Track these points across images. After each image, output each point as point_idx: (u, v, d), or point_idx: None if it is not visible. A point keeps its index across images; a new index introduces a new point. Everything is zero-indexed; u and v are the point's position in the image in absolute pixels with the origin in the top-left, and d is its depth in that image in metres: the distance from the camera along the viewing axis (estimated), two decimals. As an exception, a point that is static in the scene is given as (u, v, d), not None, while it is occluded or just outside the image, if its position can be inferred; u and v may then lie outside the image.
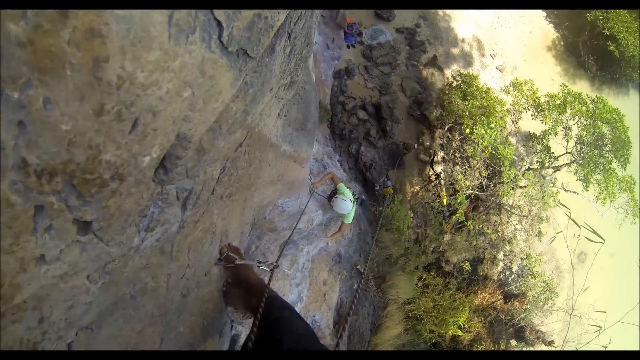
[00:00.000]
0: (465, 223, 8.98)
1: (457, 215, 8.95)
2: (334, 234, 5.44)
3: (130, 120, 0.86)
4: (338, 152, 9.91)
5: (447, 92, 9.85)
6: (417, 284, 8.14)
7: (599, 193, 8.91)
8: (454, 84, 10.03)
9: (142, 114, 0.88)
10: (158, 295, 1.64)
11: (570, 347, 7.41)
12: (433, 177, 10.42)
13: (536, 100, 9.46)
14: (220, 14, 0.98)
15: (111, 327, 1.36)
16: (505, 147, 8.52)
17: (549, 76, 12.97)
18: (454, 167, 9.85)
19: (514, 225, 10.08)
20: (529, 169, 9.77)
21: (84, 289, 1.09)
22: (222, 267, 2.46)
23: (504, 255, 10.47)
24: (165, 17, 0.80)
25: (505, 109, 9.47)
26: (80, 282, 1.06)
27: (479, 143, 8.41)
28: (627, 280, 11.30)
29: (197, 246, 1.96)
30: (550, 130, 9.21)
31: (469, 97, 9.13)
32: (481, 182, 9.31)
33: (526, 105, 9.67)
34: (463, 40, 12.32)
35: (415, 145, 10.48)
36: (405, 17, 11.82)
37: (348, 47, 10.76)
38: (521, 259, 10.12)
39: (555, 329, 10.14)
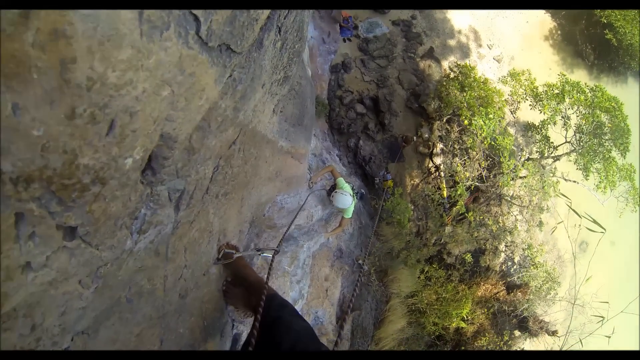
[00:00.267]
0: (466, 215, 8.97)
1: (457, 207, 8.94)
2: (335, 229, 5.44)
3: (106, 122, 0.84)
4: (337, 146, 9.90)
5: (444, 83, 9.83)
6: (419, 277, 8.15)
7: (599, 182, 8.89)
8: (452, 75, 10.00)
9: (118, 115, 0.86)
10: (155, 298, 1.63)
11: (574, 336, 7.40)
12: (432, 169, 10.41)
13: (534, 90, 9.45)
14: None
15: (108, 331, 1.35)
16: (504, 138, 8.50)
17: (546, 65, 12.92)
18: (453, 158, 9.84)
19: (515, 216, 10.07)
20: (528, 159, 9.75)
21: (77, 294, 1.08)
22: (221, 266, 2.45)
23: (506, 246, 10.47)
24: (135, 14, 0.78)
25: (503, 99, 9.45)
26: (72, 288, 1.05)
27: (478, 134, 8.39)
28: (629, 269, 11.31)
29: (194, 246, 1.95)
30: (549, 120, 9.18)
31: (466, 88, 9.11)
32: (481, 173, 9.29)
33: (524, 95, 9.66)
34: (459, 31, 12.27)
35: (414, 137, 10.46)
36: (401, 9, 11.75)
37: (344, 40, 10.73)
38: (523, 249, 10.13)
39: (558, 318, 10.15)
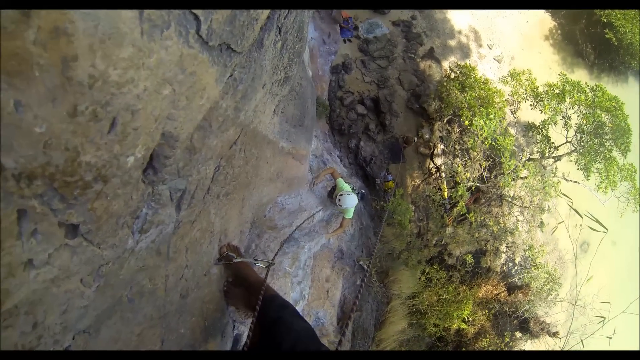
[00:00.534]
0: (467, 215, 8.96)
1: (458, 207, 8.93)
2: (335, 230, 5.43)
3: (108, 120, 0.85)
4: (337, 147, 9.90)
5: (445, 84, 9.82)
6: (420, 278, 8.14)
7: (600, 182, 8.86)
8: (452, 75, 9.99)
9: (119, 113, 0.87)
10: (156, 298, 1.63)
11: (575, 337, 7.39)
12: (433, 170, 10.40)
13: (535, 89, 9.43)
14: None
15: (110, 331, 1.35)
16: (505, 138, 8.49)
17: (546, 65, 12.91)
18: (454, 159, 9.82)
19: (516, 217, 10.05)
20: (529, 159, 9.74)
21: (78, 292, 1.08)
22: (222, 266, 2.45)
23: (507, 246, 10.45)
24: (135, 13, 0.78)
25: (503, 99, 9.44)
26: (74, 286, 1.05)
27: (479, 134, 8.38)
28: (630, 269, 11.29)
29: (195, 246, 1.95)
30: (549, 120, 9.17)
31: (467, 89, 9.10)
32: (482, 174, 9.28)
33: (525, 95, 9.64)
34: (460, 32, 12.26)
35: (415, 138, 10.46)
36: (401, 10, 11.76)
37: (344, 41, 10.73)
38: (524, 250, 10.11)
39: (559, 319, 10.12)
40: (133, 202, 1.13)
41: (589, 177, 9.01)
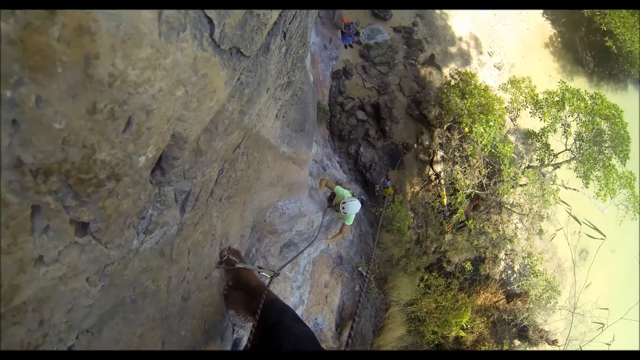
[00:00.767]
0: (466, 222, 8.96)
1: (457, 214, 8.93)
2: (335, 236, 5.43)
3: (124, 118, 0.86)
4: (337, 153, 9.91)
5: (445, 90, 9.86)
6: (418, 285, 8.12)
7: (599, 189, 8.88)
8: (452, 82, 10.03)
9: (135, 112, 0.88)
10: (159, 299, 1.64)
11: (574, 345, 7.37)
12: (433, 177, 10.41)
13: (534, 97, 9.47)
14: (210, 10, 0.98)
15: (112, 331, 1.36)
16: (504, 145, 8.51)
17: (546, 73, 12.97)
18: (453, 166, 9.85)
19: (515, 224, 10.06)
20: (528, 166, 9.75)
21: (84, 291, 1.09)
22: (223, 270, 2.46)
23: (506, 254, 10.43)
24: (154, 14, 0.80)
25: (503, 106, 9.47)
26: (80, 285, 1.06)
27: (478, 141, 8.40)
28: (629, 276, 11.27)
29: (197, 249, 1.96)
30: (549, 128, 9.19)
31: (467, 96, 9.13)
32: (481, 181, 9.29)
33: (524, 103, 9.67)
34: (460, 39, 12.33)
35: (415, 145, 10.47)
36: (402, 16, 11.83)
37: (345, 47, 10.77)
38: (523, 257, 10.10)
39: (558, 327, 10.09)
40: (141, 202, 1.15)
41: (588, 185, 9.03)
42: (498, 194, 9.14)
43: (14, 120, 0.66)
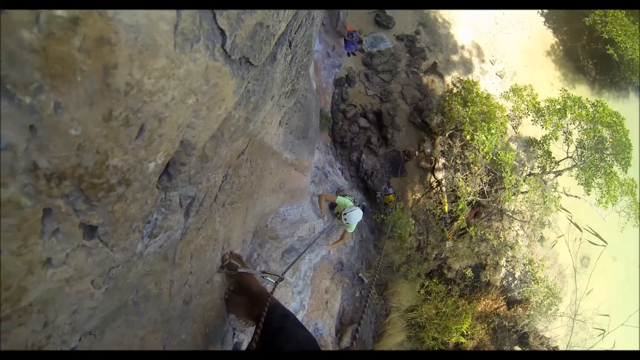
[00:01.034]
0: (467, 229, 8.96)
1: (458, 221, 8.93)
2: (336, 242, 5.44)
3: (137, 126, 0.88)
4: (339, 160, 9.93)
5: (447, 98, 9.88)
6: (419, 291, 8.10)
7: (601, 197, 8.89)
8: (454, 90, 10.06)
9: (148, 120, 0.90)
10: (161, 302, 1.65)
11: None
12: (434, 184, 10.42)
13: (536, 105, 9.49)
14: (223, 22, 1.00)
15: (114, 333, 1.37)
16: (506, 153, 8.53)
17: (548, 81, 13.00)
18: (455, 173, 9.86)
19: (516, 231, 10.05)
20: (530, 174, 9.76)
21: (89, 293, 1.10)
22: (224, 274, 2.46)
23: (506, 261, 10.42)
24: (171, 26, 0.83)
25: (505, 114, 9.49)
26: (85, 287, 1.07)
27: (480, 149, 8.42)
28: (630, 283, 11.24)
29: (200, 253, 1.97)
30: (550, 135, 9.21)
31: (469, 104, 9.16)
32: (482, 188, 9.30)
33: (526, 111, 9.69)
34: (463, 47, 12.38)
35: (416, 152, 10.49)
36: (405, 24, 11.89)
37: (348, 55, 10.82)
38: (524, 264, 10.08)
39: (559, 334, 10.06)
40: (147, 206, 1.16)
41: (589, 192, 9.03)
42: (499, 201, 9.15)
43: (32, 126, 0.68)
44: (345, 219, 4.97)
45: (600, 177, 9.01)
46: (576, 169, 9.36)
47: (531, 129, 10.25)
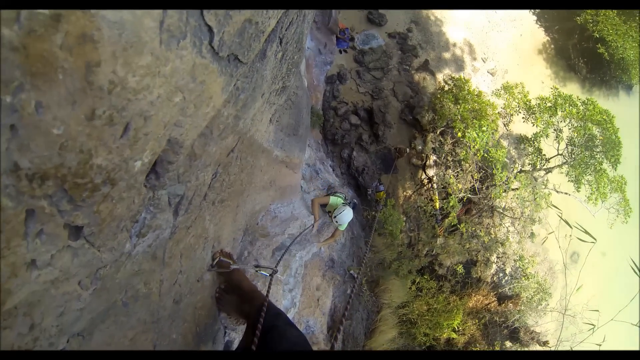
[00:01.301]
0: (458, 226, 9.02)
1: (449, 218, 8.99)
2: (327, 239, 5.43)
3: (122, 124, 0.86)
4: (330, 157, 9.93)
5: (439, 96, 9.93)
6: (410, 288, 8.14)
7: (591, 194, 9.02)
8: (446, 88, 10.10)
9: (133, 118, 0.89)
10: (150, 302, 1.63)
11: (565, 346, 7.44)
12: (425, 181, 10.46)
13: (527, 103, 9.57)
14: (211, 19, 0.99)
15: (103, 334, 1.34)
16: (497, 150, 8.59)
17: (539, 79, 13.10)
18: (446, 170, 9.91)
19: (507, 227, 10.14)
20: (520, 171, 9.84)
21: (76, 295, 1.08)
22: (215, 273, 2.44)
23: (497, 257, 10.51)
24: (156, 23, 0.81)
25: (496, 112, 9.56)
26: (72, 288, 1.05)
27: (471, 146, 8.47)
28: (619, 279, 11.38)
29: (190, 252, 1.95)
30: (541, 133, 9.31)
31: (460, 101, 9.21)
32: (473, 185, 9.36)
33: (517, 108, 9.77)
34: (454, 45, 12.42)
35: (408, 149, 10.52)
36: (397, 22, 11.90)
37: (340, 52, 10.81)
38: (514, 260, 10.17)
39: (549, 329, 10.18)
40: (135, 206, 1.14)
41: (579, 189, 9.15)
42: (490, 197, 9.22)
43: (13, 126, 0.66)
44: (336, 221, 4.97)
45: (590, 174, 9.13)
46: (566, 166, 9.47)
47: (522, 126, 10.33)
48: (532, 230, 9.84)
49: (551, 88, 10.01)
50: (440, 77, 11.70)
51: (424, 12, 12.24)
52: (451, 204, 8.62)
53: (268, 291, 2.25)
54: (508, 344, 9.89)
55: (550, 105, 9.29)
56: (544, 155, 9.73)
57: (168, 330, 1.90)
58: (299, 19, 2.11)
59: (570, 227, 4.28)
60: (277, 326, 1.96)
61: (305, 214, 5.33)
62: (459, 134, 8.73)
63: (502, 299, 10.29)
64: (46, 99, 0.69)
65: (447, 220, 9.20)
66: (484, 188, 9.41)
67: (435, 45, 12.17)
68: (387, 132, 10.54)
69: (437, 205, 9.79)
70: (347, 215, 4.92)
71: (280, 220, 4.34)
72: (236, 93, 1.49)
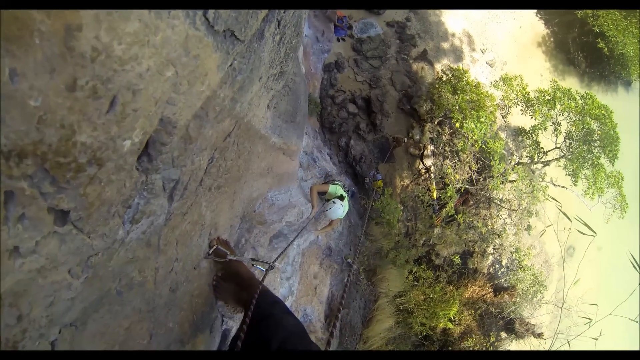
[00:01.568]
0: (455, 216, 9.03)
1: (447, 208, 9.01)
2: (324, 228, 5.42)
3: (107, 98, 0.80)
4: (328, 145, 9.90)
5: (437, 86, 9.89)
6: (407, 277, 8.19)
7: (588, 188, 9.04)
8: (444, 78, 10.05)
9: (120, 91, 0.82)
10: (146, 291, 1.59)
11: (561, 339, 7.50)
12: (423, 171, 10.46)
13: (526, 95, 9.55)
14: (205, -12, 0.92)
15: (97, 324, 1.30)
16: (495, 142, 8.58)
17: (538, 72, 13.06)
18: (443, 160, 9.90)
19: (504, 219, 10.18)
20: (518, 163, 9.85)
21: (66, 284, 1.03)
22: (211, 261, 2.41)
23: (494, 248, 10.57)
24: (146, -14, 0.75)
25: (495, 103, 9.54)
26: (61, 277, 1.00)
27: (469, 137, 8.45)
28: (616, 273, 11.48)
29: (186, 239, 1.91)
30: (539, 125, 9.29)
31: (459, 92, 9.17)
32: (471, 176, 9.37)
33: (516, 100, 9.75)
34: (453, 35, 12.34)
35: (405, 139, 10.50)
36: (395, 10, 11.79)
37: (338, 40, 10.72)
38: (511, 252, 10.23)
39: (544, 321, 10.29)
40: (126, 190, 1.09)
41: (576, 183, 9.16)
42: (487, 189, 9.23)
43: (-15, 96, 0.60)
44: (326, 215, 4.94)
45: (587, 168, 9.15)
46: (564, 159, 9.47)
47: (520, 118, 10.32)
48: (528, 222, 9.86)
49: (550, 81, 9.98)
50: (438, 67, 11.63)
51: (424, 1, 12.12)
52: (449, 194, 8.63)
53: (263, 279, 2.22)
54: (503, 334, 9.99)
55: (549, 98, 9.26)
56: (542, 148, 9.74)
57: (164, 318, 1.86)
58: (298, 1, 2.05)
59: (570, 220, 4.27)
60: (274, 314, 1.93)
61: (302, 202, 5.31)
62: (457, 125, 8.70)
63: (498, 290, 10.37)
64: (21, 66, 0.62)
65: (444, 210, 9.21)
66: (481, 179, 9.42)
67: (434, 35, 12.08)
68: (384, 121, 10.50)
69: (435, 195, 9.81)
70: (335, 212, 4.88)
71: (277, 208, 4.31)
72: (233, 74, 1.43)
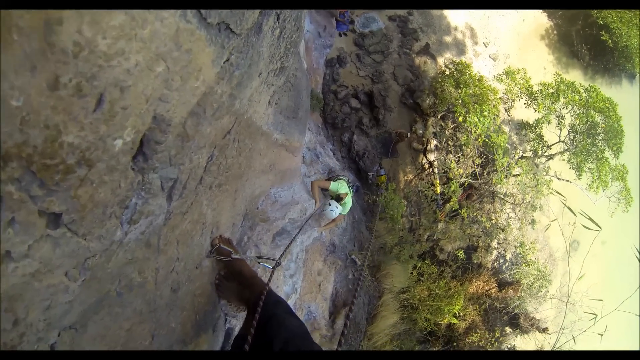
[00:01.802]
0: (459, 211, 9.00)
1: (450, 203, 8.97)
2: (328, 224, 5.40)
3: (94, 96, 0.77)
4: (331, 140, 9.89)
5: (439, 80, 9.85)
6: (411, 273, 8.16)
7: (592, 181, 8.98)
8: (447, 72, 10.01)
9: (107, 89, 0.79)
10: (146, 291, 1.57)
11: (566, 334, 7.49)
12: (426, 166, 10.42)
13: (529, 88, 9.49)
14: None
15: (97, 326, 1.28)
16: (498, 135, 8.54)
17: (541, 65, 12.98)
18: (447, 155, 9.87)
19: (508, 214, 10.14)
20: (522, 157, 9.81)
21: (62, 287, 1.01)
22: (214, 259, 2.39)
23: (498, 243, 10.54)
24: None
25: (498, 97, 9.49)
26: (57, 280, 0.98)
27: (472, 131, 8.41)
28: (620, 268, 11.44)
29: (187, 238, 1.89)
30: (543, 119, 9.24)
31: (461, 85, 9.13)
32: (475, 171, 9.33)
33: (519, 94, 9.70)
34: (456, 29, 12.26)
35: (408, 133, 10.47)
36: (397, 9, 11.72)
37: (340, 35, 10.69)
38: (515, 247, 10.20)
39: (549, 316, 10.26)
40: (121, 190, 1.06)
41: (580, 177, 9.12)
42: (491, 183, 9.19)
43: (-37, 96, 0.57)
44: (324, 213, 4.95)
45: (591, 162, 9.10)
46: (568, 153, 9.43)
47: (524, 112, 10.27)
48: (532, 216, 9.82)
49: (553, 74, 9.91)
50: (441, 61, 11.58)
51: (425, -6, 12.04)
52: (452, 189, 8.60)
53: (270, 279, 2.20)
54: (508, 330, 9.97)
55: (553, 91, 9.21)
56: (546, 141, 9.69)
57: (166, 319, 1.85)
58: (298, -6, 2.02)
59: (575, 214, 4.24)
60: (277, 315, 1.92)
61: (306, 198, 5.28)
62: (460, 119, 8.66)
63: (502, 285, 10.35)
64: (1, 64, 0.59)
65: (448, 205, 9.19)
66: (485, 173, 9.39)
67: (437, 29, 12.01)
68: (387, 115, 10.47)
69: (438, 189, 9.78)
70: (329, 214, 4.90)
71: (280, 205, 4.29)
72: (230, 69, 1.39)
